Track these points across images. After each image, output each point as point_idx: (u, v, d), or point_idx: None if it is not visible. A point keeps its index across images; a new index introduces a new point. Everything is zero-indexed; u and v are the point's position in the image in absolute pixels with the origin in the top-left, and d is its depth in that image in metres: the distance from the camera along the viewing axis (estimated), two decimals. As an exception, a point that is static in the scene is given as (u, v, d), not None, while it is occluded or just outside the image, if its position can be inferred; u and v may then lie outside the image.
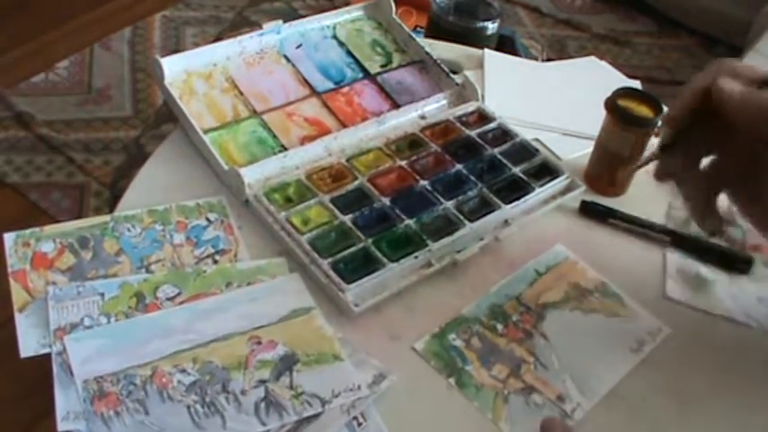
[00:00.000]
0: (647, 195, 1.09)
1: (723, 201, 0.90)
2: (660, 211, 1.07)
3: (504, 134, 1.11)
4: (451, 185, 1.02)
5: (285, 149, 1.03)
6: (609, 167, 1.07)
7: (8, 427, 1.46)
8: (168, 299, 0.86)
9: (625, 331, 0.91)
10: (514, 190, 1.02)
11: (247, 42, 1.13)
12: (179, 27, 2.51)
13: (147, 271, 0.89)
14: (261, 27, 1.14)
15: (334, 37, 1.20)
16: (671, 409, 0.85)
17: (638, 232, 1.03)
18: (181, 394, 0.77)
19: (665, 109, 1.05)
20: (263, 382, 0.79)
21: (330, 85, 1.14)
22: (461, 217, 0.97)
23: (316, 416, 0.77)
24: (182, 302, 0.86)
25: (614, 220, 1.04)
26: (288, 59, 1.15)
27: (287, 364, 0.81)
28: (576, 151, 1.14)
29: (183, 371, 0.79)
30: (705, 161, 0.85)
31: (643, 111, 1.03)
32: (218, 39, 2.12)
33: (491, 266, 0.96)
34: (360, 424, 0.77)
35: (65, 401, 0.75)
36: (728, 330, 0.94)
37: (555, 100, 1.24)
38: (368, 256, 0.91)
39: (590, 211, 1.05)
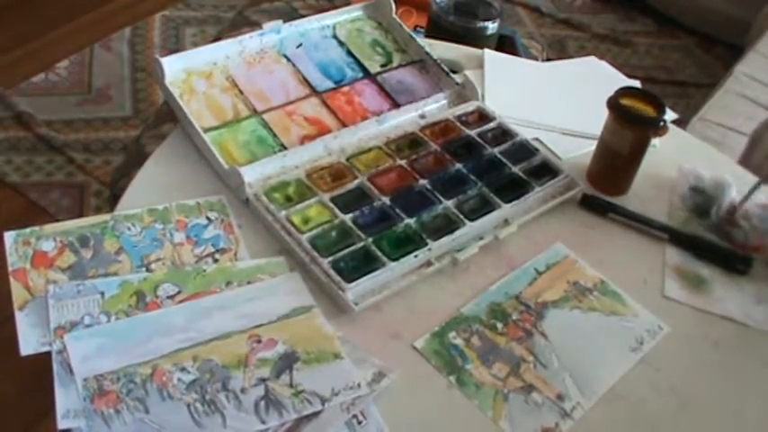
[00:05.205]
0: (649, 195, 1.09)
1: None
2: (662, 210, 1.07)
3: (503, 134, 1.11)
4: (451, 185, 1.02)
5: (285, 149, 1.03)
6: (611, 166, 1.08)
7: (8, 425, 1.46)
8: (168, 297, 0.86)
9: (624, 330, 0.91)
10: (514, 189, 1.03)
11: (248, 42, 1.13)
12: (179, 27, 2.51)
13: (148, 270, 0.89)
14: (261, 27, 1.14)
15: (335, 37, 1.20)
16: (670, 407, 0.85)
17: (637, 228, 1.04)
18: (181, 392, 0.77)
19: (667, 109, 1.05)
20: (263, 380, 0.79)
21: (330, 84, 1.14)
22: (461, 216, 0.97)
23: (315, 414, 0.77)
24: (182, 301, 0.86)
25: (613, 215, 1.04)
26: (288, 59, 1.15)
27: (287, 362, 0.81)
28: (576, 150, 1.14)
29: (183, 369, 0.79)
30: None
31: (645, 110, 1.03)
32: (217, 38, 2.12)
33: (491, 265, 0.96)
34: (360, 422, 0.77)
35: (65, 399, 0.75)
36: (727, 330, 0.94)
37: (555, 100, 1.24)
38: (368, 255, 0.91)
39: (590, 205, 1.05)
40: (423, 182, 1.01)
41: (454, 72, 1.19)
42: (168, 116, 1.36)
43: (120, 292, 0.85)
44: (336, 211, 0.95)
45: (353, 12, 1.23)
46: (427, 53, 1.19)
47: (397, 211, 0.96)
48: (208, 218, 0.96)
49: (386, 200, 0.98)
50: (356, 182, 1.00)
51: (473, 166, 1.05)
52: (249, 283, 0.89)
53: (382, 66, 1.19)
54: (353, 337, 0.85)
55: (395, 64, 1.20)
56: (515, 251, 0.98)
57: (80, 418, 0.74)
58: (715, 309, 0.96)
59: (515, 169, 1.05)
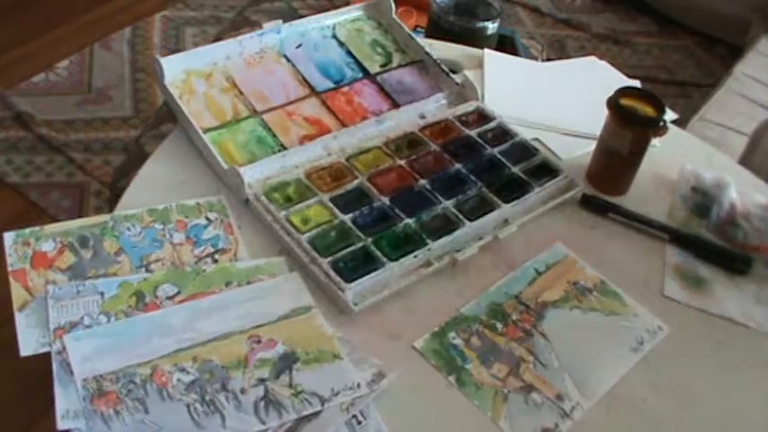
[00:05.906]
0: (649, 195, 1.09)
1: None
2: (662, 210, 1.07)
3: (503, 133, 1.11)
4: (451, 185, 1.02)
5: (285, 149, 1.03)
6: (611, 166, 1.08)
7: (8, 426, 1.46)
8: (168, 298, 0.86)
9: (624, 330, 0.91)
10: (514, 189, 1.02)
11: (247, 42, 1.13)
12: (179, 27, 2.51)
13: (147, 270, 0.89)
14: (261, 27, 1.14)
15: (334, 37, 1.20)
16: (670, 408, 0.85)
17: (637, 228, 1.03)
18: (180, 393, 0.77)
19: (667, 108, 1.05)
20: (262, 380, 0.79)
21: (330, 84, 1.14)
22: (461, 216, 0.97)
23: (315, 414, 0.77)
24: (181, 301, 0.86)
25: (614, 215, 1.04)
26: (288, 59, 1.15)
27: (286, 362, 0.81)
28: (576, 150, 1.14)
29: (183, 369, 0.79)
30: None
31: (645, 110, 1.03)
32: (217, 38, 2.12)
33: (491, 265, 0.96)
34: (359, 422, 0.77)
35: (64, 400, 0.75)
36: (727, 330, 0.94)
37: (555, 100, 1.24)
38: (367, 256, 0.91)
39: (590, 205, 1.05)
40: (422, 182, 1.01)
41: (454, 72, 1.19)
42: (168, 116, 1.36)
43: (120, 292, 0.85)
44: (336, 211, 0.95)
45: (353, 12, 1.23)
46: (427, 53, 1.19)
47: (397, 211, 0.96)
48: (207, 218, 0.96)
49: (385, 200, 0.98)
50: (356, 182, 1.00)
51: (473, 166, 1.04)
52: (249, 283, 0.89)
53: (382, 66, 1.19)
54: (353, 337, 0.85)
55: (394, 64, 1.20)
56: (515, 251, 0.98)
57: (80, 419, 0.74)
58: (715, 309, 0.96)
59: (515, 169, 1.05)
